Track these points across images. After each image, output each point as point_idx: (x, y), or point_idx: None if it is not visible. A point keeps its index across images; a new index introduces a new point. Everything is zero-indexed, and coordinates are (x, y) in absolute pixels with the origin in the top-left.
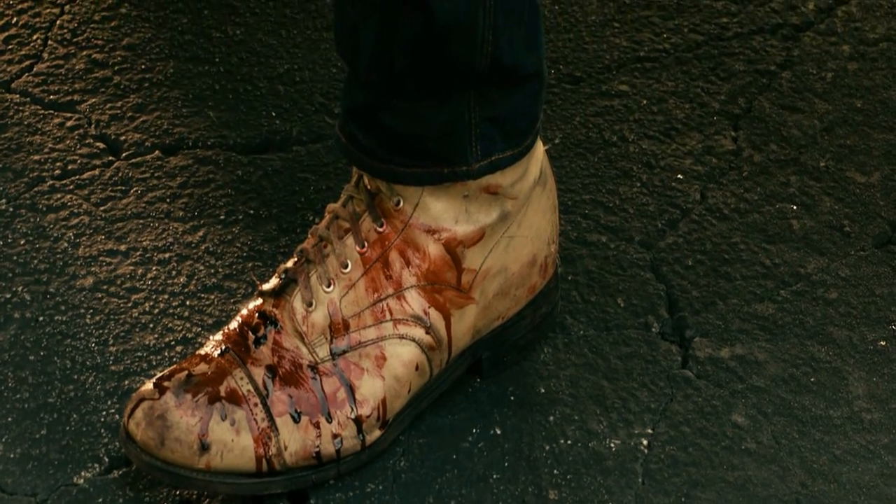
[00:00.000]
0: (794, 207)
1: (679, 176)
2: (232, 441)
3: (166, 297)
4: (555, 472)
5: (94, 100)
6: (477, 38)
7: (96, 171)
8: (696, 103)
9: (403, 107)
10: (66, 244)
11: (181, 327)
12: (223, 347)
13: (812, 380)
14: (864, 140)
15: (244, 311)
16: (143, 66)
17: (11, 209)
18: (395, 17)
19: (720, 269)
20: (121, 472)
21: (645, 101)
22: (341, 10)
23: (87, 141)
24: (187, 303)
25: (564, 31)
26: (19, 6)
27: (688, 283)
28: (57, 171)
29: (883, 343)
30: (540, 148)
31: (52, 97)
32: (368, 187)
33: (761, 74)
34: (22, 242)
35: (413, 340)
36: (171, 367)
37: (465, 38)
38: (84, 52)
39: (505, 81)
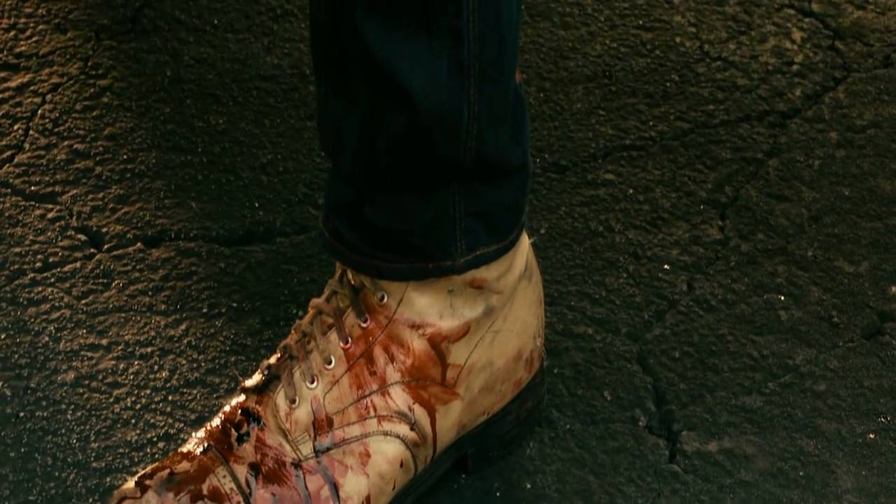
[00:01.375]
0: (782, 298)
1: (666, 266)
2: None
3: (148, 392)
4: None
5: (75, 191)
6: (461, 133)
7: (78, 264)
8: (683, 192)
9: (387, 202)
10: (47, 338)
11: (163, 423)
12: (206, 445)
13: (801, 473)
14: (852, 229)
15: (227, 408)
16: (125, 157)
17: None
18: (379, 113)
19: (707, 361)
20: None
21: (631, 190)
22: (324, 104)
23: (68, 233)
24: (169, 398)
25: (549, 119)
26: (0, 95)
27: (675, 376)
28: (38, 264)
29: (872, 436)
30: (525, 241)
31: (33, 188)
32: (352, 282)
33: (748, 162)
34: (2, 336)
35: (398, 437)
36: (153, 465)
37: (449, 134)
38: (66, 143)
39: (490, 176)
